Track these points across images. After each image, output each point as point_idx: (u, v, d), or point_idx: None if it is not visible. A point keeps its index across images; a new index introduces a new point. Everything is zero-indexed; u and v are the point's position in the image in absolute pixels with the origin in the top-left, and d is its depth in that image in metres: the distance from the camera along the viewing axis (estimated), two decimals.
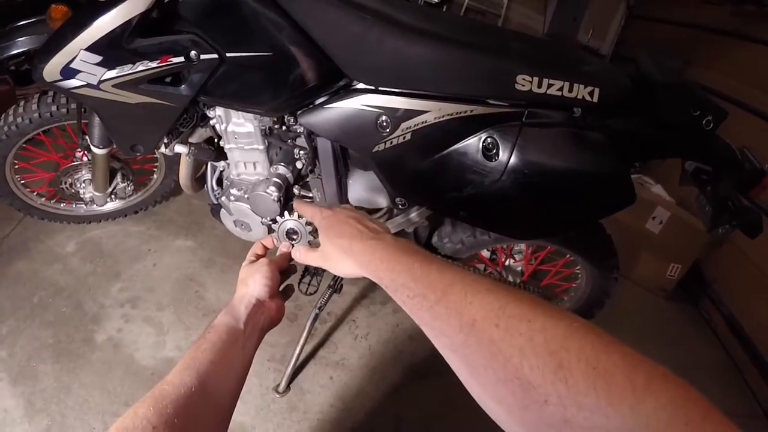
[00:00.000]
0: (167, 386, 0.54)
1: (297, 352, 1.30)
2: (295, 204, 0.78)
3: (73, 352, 1.31)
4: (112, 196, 1.58)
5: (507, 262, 1.33)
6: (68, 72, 0.82)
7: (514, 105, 0.84)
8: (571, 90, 0.83)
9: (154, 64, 0.82)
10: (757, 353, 1.55)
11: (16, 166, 1.45)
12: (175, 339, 1.39)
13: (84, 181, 1.52)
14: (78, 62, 0.81)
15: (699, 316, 1.78)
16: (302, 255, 0.69)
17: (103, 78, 0.82)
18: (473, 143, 0.84)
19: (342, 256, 0.59)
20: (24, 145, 1.39)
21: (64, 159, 1.49)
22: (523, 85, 0.81)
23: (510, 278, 1.29)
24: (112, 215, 1.66)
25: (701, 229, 1.65)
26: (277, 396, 1.30)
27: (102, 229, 1.67)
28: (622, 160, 0.89)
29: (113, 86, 0.84)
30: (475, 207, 0.90)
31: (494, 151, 0.84)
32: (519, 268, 1.33)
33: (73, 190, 1.54)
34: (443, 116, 0.82)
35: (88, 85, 0.83)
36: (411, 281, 0.47)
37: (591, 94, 0.83)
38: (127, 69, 0.82)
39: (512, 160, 0.83)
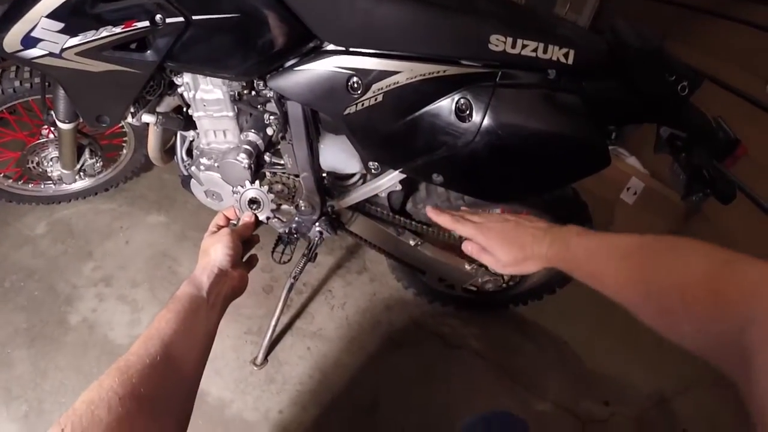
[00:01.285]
0: (132, 357, 0.54)
1: (273, 323, 1.29)
2: (449, 223, 0.77)
3: (47, 335, 1.29)
4: (81, 174, 1.54)
5: None
6: (29, 41, 0.78)
7: (488, 66, 0.83)
8: (545, 51, 0.82)
9: (118, 30, 0.79)
10: None
11: None
12: (150, 315, 1.37)
13: (51, 159, 1.47)
14: (39, 30, 0.77)
15: None
16: (498, 268, 0.71)
17: (65, 46, 0.79)
18: (446, 104, 0.83)
19: (525, 261, 0.68)
20: None
21: (30, 137, 1.44)
22: (497, 46, 0.80)
23: None
24: (81, 194, 1.61)
25: (675, 200, 1.69)
26: (255, 368, 1.30)
27: (72, 208, 1.63)
28: (596, 123, 0.89)
29: (76, 54, 0.80)
30: (448, 169, 0.89)
31: (467, 112, 0.83)
32: None
33: (40, 169, 1.49)
34: (415, 77, 0.81)
35: (51, 54, 0.80)
36: (583, 264, 0.60)
37: (566, 56, 0.83)
38: (90, 36, 0.78)
39: (486, 121, 0.82)
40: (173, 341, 0.57)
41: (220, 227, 0.80)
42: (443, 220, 0.77)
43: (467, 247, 0.73)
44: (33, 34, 0.77)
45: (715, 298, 0.42)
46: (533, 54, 0.81)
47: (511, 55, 0.81)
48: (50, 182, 1.55)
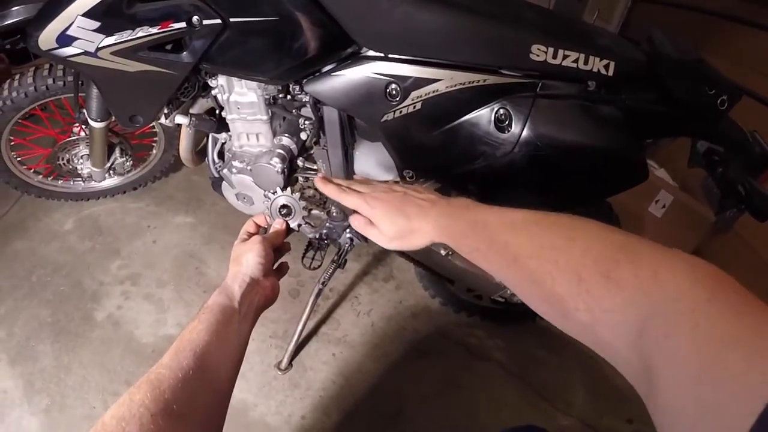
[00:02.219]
0: (164, 369, 0.52)
1: (299, 328, 1.29)
2: (334, 193, 0.70)
3: (72, 330, 1.31)
4: (111, 172, 1.56)
5: None
6: (65, 39, 0.79)
7: (528, 76, 0.82)
8: (586, 62, 0.80)
9: (154, 30, 0.79)
10: None
11: (12, 143, 1.42)
12: (175, 316, 1.38)
13: (82, 157, 1.49)
14: (75, 29, 0.77)
15: None
16: (383, 243, 0.65)
17: (101, 45, 0.79)
18: (485, 114, 0.82)
19: (411, 234, 0.62)
20: (20, 121, 1.36)
21: (62, 134, 1.46)
22: (538, 56, 0.79)
23: None
24: (110, 192, 1.63)
25: (704, 214, 1.64)
26: (279, 373, 1.30)
27: (100, 206, 1.65)
28: (635, 136, 0.88)
29: (111, 54, 0.80)
30: (485, 180, 0.88)
31: (507, 122, 0.82)
32: None
33: (70, 167, 1.51)
34: (455, 85, 0.80)
35: (86, 53, 0.80)
36: (469, 237, 0.54)
37: (606, 67, 0.81)
38: (126, 35, 0.79)
39: (525, 132, 0.81)
40: (206, 353, 0.56)
41: (250, 235, 0.80)
42: (329, 190, 0.70)
43: (353, 222, 0.67)
44: (69, 32, 0.78)
45: (609, 283, 0.38)
46: (574, 65, 0.80)
47: (551, 65, 0.80)
48: (80, 179, 1.57)
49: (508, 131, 0.82)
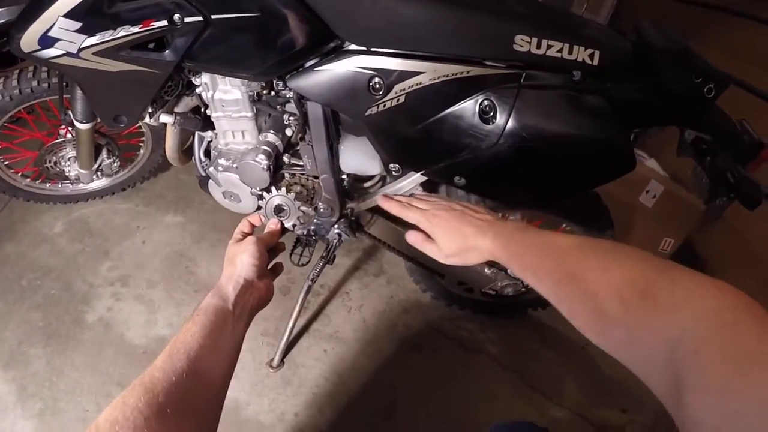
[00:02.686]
0: (157, 372, 0.52)
1: (290, 325, 1.29)
2: (396, 209, 0.75)
3: (63, 333, 1.30)
4: (98, 174, 1.54)
5: None
6: (46, 41, 0.78)
7: (512, 66, 0.81)
8: (570, 52, 0.80)
9: (135, 29, 0.78)
10: None
11: None
12: (166, 316, 1.37)
13: (69, 159, 1.48)
14: (56, 30, 0.77)
15: None
16: (440, 258, 0.69)
17: (82, 46, 0.78)
18: (469, 106, 0.81)
19: (468, 252, 0.66)
20: (6, 125, 1.34)
21: (48, 137, 1.44)
22: (522, 46, 0.78)
23: None
24: (99, 193, 1.62)
25: (695, 204, 1.65)
26: (271, 371, 1.29)
27: (89, 207, 1.63)
28: (622, 125, 0.87)
29: (94, 54, 0.80)
30: (471, 172, 0.87)
31: (491, 113, 0.81)
32: None
33: (57, 169, 1.49)
34: (438, 78, 0.79)
35: (68, 54, 0.79)
36: (523, 257, 0.59)
37: (591, 56, 0.81)
38: (107, 35, 0.78)
39: (510, 123, 0.81)
40: (200, 356, 0.56)
41: (245, 235, 0.79)
42: (392, 207, 0.76)
43: (410, 237, 0.71)
44: (50, 33, 0.77)
45: (646, 302, 0.42)
46: (558, 55, 0.80)
47: (535, 55, 0.79)
48: (68, 181, 1.55)
49: (493, 122, 0.81)
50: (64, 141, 1.43)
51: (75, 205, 1.62)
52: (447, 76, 0.79)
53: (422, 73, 0.79)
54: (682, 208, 1.70)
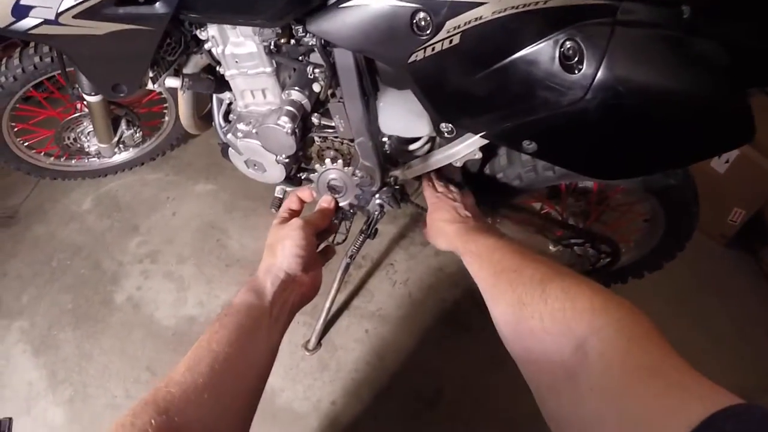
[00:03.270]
0: (173, 389, 0.45)
1: (328, 303, 1.18)
2: (424, 183, 0.84)
3: (92, 316, 1.27)
4: (121, 146, 1.45)
5: (569, 202, 1.13)
6: (20, 11, 0.67)
7: None
8: None
9: None
10: None
11: (15, 129, 1.34)
12: (196, 294, 1.31)
13: (87, 134, 1.40)
14: None
15: (759, 268, 1.56)
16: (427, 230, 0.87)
17: (60, 9, 0.67)
18: (547, 48, 0.61)
19: (438, 233, 0.80)
20: (18, 106, 1.27)
21: (64, 113, 1.37)
22: None
23: (571, 221, 1.09)
24: (127, 165, 1.56)
25: None
26: (307, 354, 1.20)
27: (118, 180, 1.58)
28: (739, 80, 0.65)
29: (74, 18, 0.68)
30: (546, 136, 0.68)
31: (576, 59, 0.60)
32: (582, 209, 1.13)
33: (78, 145, 1.43)
34: (505, 10, 0.59)
35: (46, 22, 0.68)
36: (474, 248, 0.68)
37: None
38: None
39: (601, 72, 0.60)
40: (226, 369, 0.48)
41: (292, 213, 0.69)
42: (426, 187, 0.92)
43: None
44: (23, 2, 0.67)
45: (565, 299, 0.45)
46: None
47: None
48: (93, 156, 1.49)
49: (579, 71, 0.61)
50: (80, 116, 1.35)
51: (104, 179, 1.57)
52: (516, 8, 0.59)
53: (483, 3, 0.59)
54: (757, 176, 1.47)
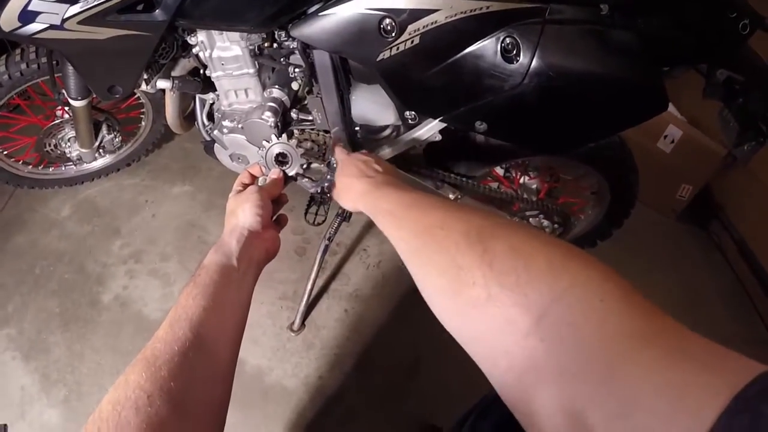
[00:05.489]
0: (158, 344, 0.47)
1: (309, 287, 1.27)
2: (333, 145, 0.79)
3: (80, 317, 1.29)
4: (101, 151, 1.49)
5: (522, 180, 1.27)
6: (27, 16, 0.73)
7: (535, 0, 0.75)
8: None
9: None
10: (767, 278, 1.52)
11: None
12: (182, 288, 1.35)
13: (68, 140, 1.42)
14: (36, 3, 0.72)
15: (709, 240, 1.74)
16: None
17: (66, 15, 0.73)
18: (490, 44, 0.75)
19: (344, 191, 0.70)
20: (0, 113, 1.29)
21: (45, 120, 1.38)
22: None
23: (525, 196, 1.24)
24: (104, 171, 1.57)
25: (714, 149, 1.59)
26: (292, 334, 1.28)
27: (95, 187, 1.59)
28: (652, 63, 0.81)
29: (79, 23, 0.75)
30: (493, 117, 0.82)
31: (514, 52, 0.75)
32: (534, 186, 1.28)
33: (58, 152, 1.44)
34: (455, 15, 0.73)
35: (52, 27, 0.75)
36: (387, 206, 0.57)
37: None
38: (91, 1, 0.73)
39: (535, 61, 0.74)
40: (203, 320, 0.51)
41: (246, 185, 0.75)
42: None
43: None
44: (30, 7, 0.73)
45: (515, 259, 0.35)
46: None
47: None
48: (71, 163, 1.51)
49: (517, 61, 0.75)
50: (61, 122, 1.37)
51: (81, 187, 1.58)
52: (465, 12, 0.73)
53: (437, 10, 0.72)
54: (701, 154, 1.64)
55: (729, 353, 0.25)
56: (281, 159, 0.88)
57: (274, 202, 0.74)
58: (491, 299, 0.35)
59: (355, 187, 0.67)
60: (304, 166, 0.93)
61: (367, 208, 0.62)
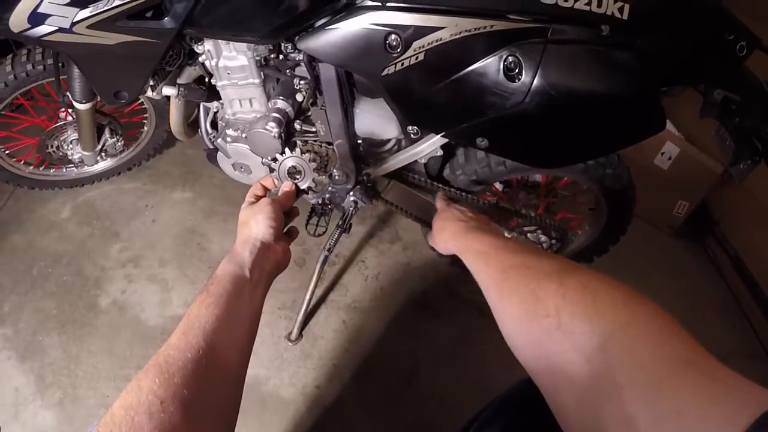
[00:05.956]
0: (172, 351, 0.49)
1: (307, 297, 1.27)
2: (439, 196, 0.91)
3: (77, 320, 1.28)
4: (103, 154, 1.50)
5: (520, 195, 1.28)
6: (37, 18, 0.74)
7: (538, 20, 0.76)
8: (599, 5, 0.74)
9: None
10: (761, 293, 1.53)
11: None
12: (181, 294, 1.36)
13: (71, 142, 1.43)
14: (46, 5, 0.72)
15: (705, 255, 1.75)
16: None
17: (75, 19, 0.74)
18: (493, 63, 0.76)
19: (439, 231, 0.80)
20: (4, 113, 1.29)
21: (48, 121, 1.39)
22: None
23: (523, 212, 1.25)
24: (105, 175, 1.58)
25: (711, 166, 1.60)
26: (290, 344, 1.28)
27: (96, 190, 1.59)
28: (651, 82, 0.83)
29: (88, 27, 0.75)
30: (495, 133, 0.83)
31: (516, 70, 0.76)
32: (533, 201, 1.29)
33: (60, 153, 1.45)
34: (460, 33, 0.74)
35: (61, 30, 0.75)
36: (477, 246, 0.66)
37: (621, 10, 0.75)
38: (101, 6, 0.73)
39: (536, 80, 0.76)
40: (216, 329, 0.53)
41: (258, 197, 0.76)
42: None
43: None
44: (40, 9, 0.73)
45: (585, 293, 0.42)
46: (587, 7, 0.74)
47: (563, 8, 0.74)
48: (72, 165, 1.51)
49: (519, 80, 0.77)
50: (64, 124, 1.38)
51: (81, 189, 1.58)
52: (469, 31, 0.74)
53: (442, 28, 0.74)
54: (697, 171, 1.65)
55: (752, 382, 0.30)
56: (293, 172, 0.89)
57: (285, 214, 0.76)
58: (561, 327, 0.41)
59: (449, 228, 0.76)
60: (315, 178, 0.94)
61: (458, 246, 0.71)
